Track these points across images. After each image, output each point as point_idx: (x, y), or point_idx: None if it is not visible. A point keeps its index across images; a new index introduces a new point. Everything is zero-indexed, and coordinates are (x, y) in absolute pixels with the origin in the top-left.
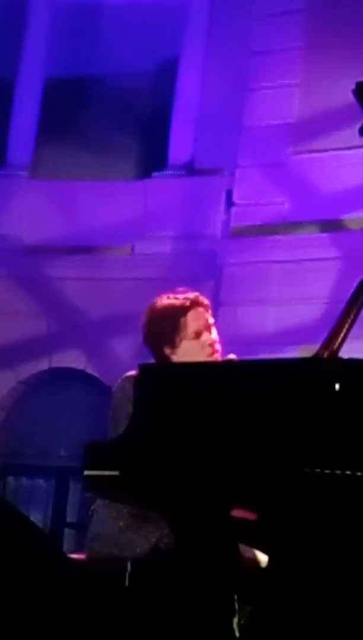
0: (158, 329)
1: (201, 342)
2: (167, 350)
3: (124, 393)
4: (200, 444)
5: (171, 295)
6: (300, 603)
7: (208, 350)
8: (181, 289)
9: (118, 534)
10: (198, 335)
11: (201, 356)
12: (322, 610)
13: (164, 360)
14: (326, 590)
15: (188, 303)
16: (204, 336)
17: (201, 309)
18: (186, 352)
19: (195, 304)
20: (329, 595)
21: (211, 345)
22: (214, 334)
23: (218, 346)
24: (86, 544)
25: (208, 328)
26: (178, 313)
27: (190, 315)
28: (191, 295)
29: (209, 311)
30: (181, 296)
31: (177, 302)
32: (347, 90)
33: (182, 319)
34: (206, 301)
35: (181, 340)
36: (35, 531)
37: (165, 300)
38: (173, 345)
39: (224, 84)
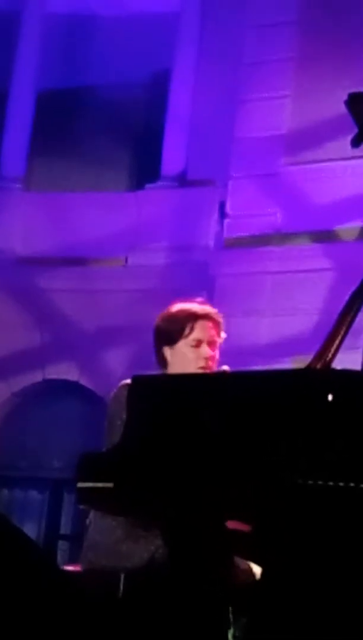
0: (164, 327)
1: (199, 352)
2: (166, 351)
3: (120, 402)
4: (194, 455)
5: (188, 302)
6: (294, 614)
7: (202, 362)
8: (199, 299)
9: (116, 543)
10: (198, 344)
11: (193, 365)
12: (316, 622)
13: (163, 362)
14: (321, 602)
15: (200, 312)
16: (204, 348)
17: (210, 324)
18: (182, 356)
19: (207, 316)
20: (324, 607)
21: (207, 359)
22: (215, 353)
23: (212, 364)
24: (82, 553)
25: (210, 343)
26: (187, 317)
27: (199, 323)
28: (208, 307)
29: (220, 332)
30: (197, 304)
31: (191, 308)
32: (340, 102)
33: (189, 324)
34: (220, 319)
35: (181, 343)
36: (27, 543)
37: (181, 304)
38: (172, 347)
39: (216, 95)
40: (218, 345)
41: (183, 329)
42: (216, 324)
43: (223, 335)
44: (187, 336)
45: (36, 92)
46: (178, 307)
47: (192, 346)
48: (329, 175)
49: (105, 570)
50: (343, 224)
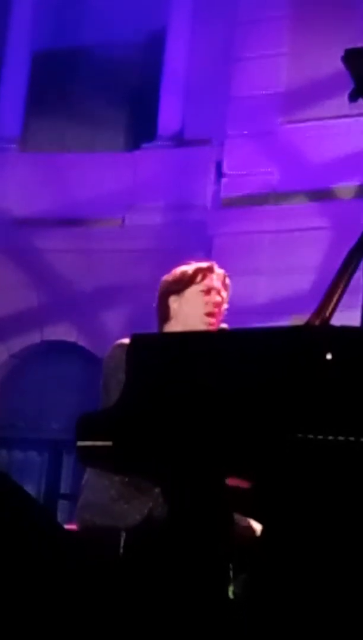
0: (174, 278)
1: (207, 299)
2: (172, 301)
3: (115, 361)
4: (193, 413)
5: (195, 262)
6: (295, 572)
7: (210, 308)
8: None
9: (110, 503)
10: (208, 291)
11: (201, 310)
12: (317, 580)
13: (165, 314)
14: (322, 560)
15: (212, 265)
16: (213, 295)
17: (220, 280)
18: (191, 302)
19: (218, 274)
20: (325, 565)
21: (215, 304)
22: (220, 305)
23: (218, 314)
24: (77, 512)
25: (219, 294)
26: (200, 268)
27: (211, 275)
28: (217, 267)
29: (227, 291)
30: (207, 262)
31: (201, 264)
32: (336, 58)
33: (201, 273)
34: (227, 281)
35: (192, 288)
36: (30, 501)
37: (190, 263)
38: (181, 294)
39: (212, 54)
40: (222, 307)
41: (195, 276)
42: (224, 285)
43: (225, 305)
44: (199, 282)
45: (31, 53)
46: (186, 266)
47: (202, 291)
48: (326, 133)
49: (102, 528)
50: (340, 182)
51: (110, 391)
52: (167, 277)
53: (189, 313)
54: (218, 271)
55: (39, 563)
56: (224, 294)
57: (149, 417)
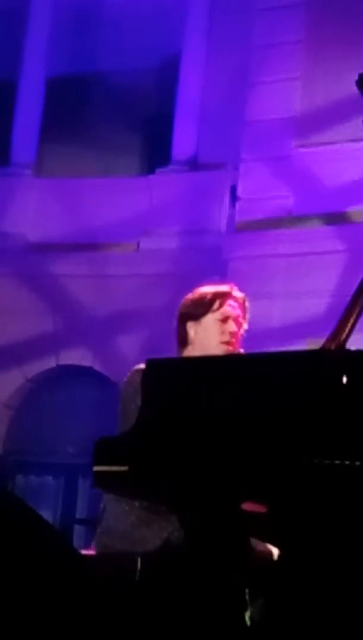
0: (192, 304)
1: (224, 327)
2: (190, 327)
3: (133, 386)
4: (208, 438)
5: (215, 284)
6: (311, 596)
7: (227, 337)
8: (229, 284)
9: (130, 528)
10: (225, 319)
11: (217, 339)
12: (333, 604)
13: (184, 340)
14: (337, 583)
15: (230, 291)
16: (230, 324)
17: (238, 305)
18: (208, 330)
19: (236, 297)
20: (340, 588)
21: (231, 334)
22: (240, 334)
23: (235, 342)
24: (96, 537)
25: (236, 321)
26: (218, 293)
27: (228, 301)
28: (236, 290)
29: (245, 315)
30: (225, 286)
31: (219, 288)
32: (350, 82)
33: (219, 299)
34: (247, 304)
35: (209, 316)
36: (45, 526)
37: (208, 286)
38: (198, 321)
39: (226, 79)
40: (242, 329)
41: (212, 303)
42: (243, 309)
43: (245, 326)
44: (215, 310)
45: (46, 79)
46: (205, 288)
47: (219, 320)
48: (340, 157)
49: (120, 554)
50: (355, 205)
51: (127, 416)
52: (186, 301)
53: (206, 341)
54: (237, 295)
55: (55, 589)
56: (242, 320)
57: (165, 442)
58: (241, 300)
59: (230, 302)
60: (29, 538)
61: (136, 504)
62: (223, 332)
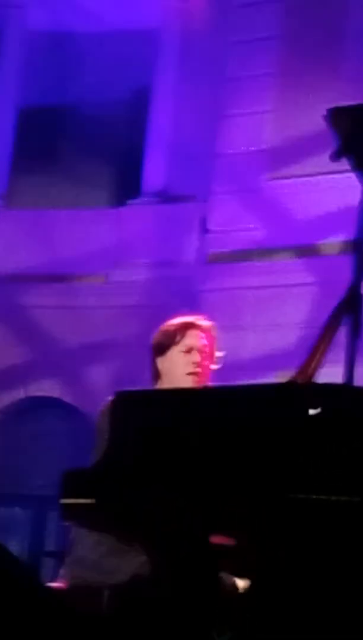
0: (158, 339)
1: (188, 358)
2: (158, 361)
3: (105, 419)
4: (176, 471)
5: (184, 315)
6: (280, 629)
7: (191, 368)
8: (199, 316)
9: (101, 558)
10: (188, 350)
11: (182, 370)
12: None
13: (155, 374)
14: (307, 616)
15: (192, 321)
16: (194, 355)
17: (203, 334)
18: (172, 363)
19: (199, 326)
20: (310, 621)
21: (196, 364)
22: (208, 364)
23: (203, 372)
24: (66, 567)
25: (202, 352)
26: (180, 326)
27: (190, 332)
28: (201, 319)
29: (214, 344)
30: (191, 317)
31: (184, 320)
32: (320, 116)
33: (181, 332)
34: (213, 332)
35: (173, 349)
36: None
37: (176, 319)
38: (164, 356)
39: (197, 111)
40: (212, 357)
41: (174, 337)
42: (210, 337)
43: (219, 353)
44: (178, 343)
45: (18, 109)
46: (171, 321)
47: (183, 352)
48: (310, 189)
49: (90, 585)
50: (326, 238)
51: (98, 448)
52: (154, 335)
53: (172, 373)
54: (202, 324)
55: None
56: (207, 349)
57: (133, 475)
58: (207, 329)
59: (194, 332)
60: None
61: (107, 534)
62: (187, 364)
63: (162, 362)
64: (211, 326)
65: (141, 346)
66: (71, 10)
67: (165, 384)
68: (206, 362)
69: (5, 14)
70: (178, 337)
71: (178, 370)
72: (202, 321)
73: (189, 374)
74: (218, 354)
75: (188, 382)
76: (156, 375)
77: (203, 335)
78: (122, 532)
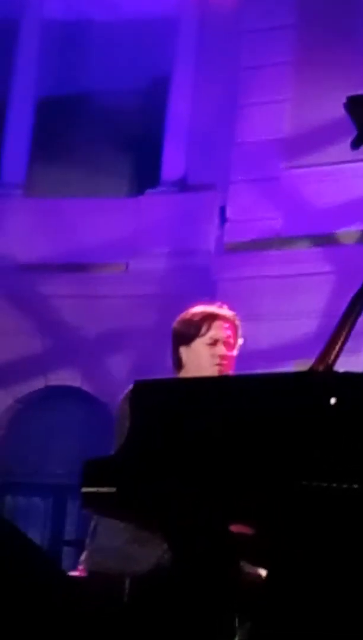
0: (182, 328)
1: (214, 351)
2: (182, 351)
3: (125, 408)
4: (196, 459)
5: (205, 304)
6: (299, 618)
7: (217, 360)
8: (218, 303)
9: (122, 547)
10: (214, 343)
11: (208, 363)
12: (321, 626)
13: (178, 363)
14: (325, 606)
15: (218, 312)
16: (219, 347)
17: (227, 325)
18: (198, 355)
19: (224, 317)
20: (328, 611)
21: (221, 357)
22: (232, 354)
23: (227, 364)
24: (87, 556)
25: (227, 344)
26: (205, 317)
27: (216, 323)
28: (226, 310)
29: (237, 334)
30: (214, 306)
31: (209, 309)
32: (339, 104)
33: (206, 323)
34: (237, 322)
35: (197, 341)
36: (33, 548)
37: (199, 306)
38: (189, 346)
39: (215, 100)
40: (235, 347)
41: (199, 328)
42: (234, 327)
43: (240, 340)
44: (203, 335)
45: (35, 99)
46: (196, 308)
47: (208, 344)
48: (329, 178)
49: (111, 573)
50: (344, 227)
51: (119, 437)
52: (177, 322)
53: (198, 365)
54: (226, 314)
55: (42, 612)
56: (232, 340)
57: (153, 464)
58: (230, 319)
59: (218, 323)
60: (16, 560)
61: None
62: (213, 356)
63: (186, 353)
64: (233, 315)
65: (161, 335)
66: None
67: (189, 374)
68: (230, 353)
69: (22, 4)
70: (203, 329)
71: (204, 362)
72: (225, 311)
73: (215, 365)
74: (239, 340)
75: (212, 373)
76: (179, 364)
77: (226, 325)
78: (143, 520)
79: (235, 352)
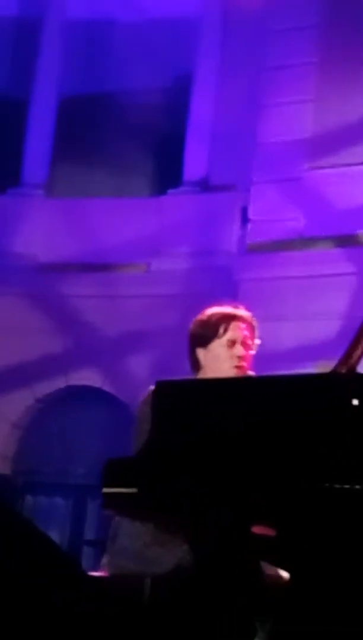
0: (199, 329)
1: (232, 352)
2: (200, 353)
3: (146, 409)
4: (217, 461)
5: (221, 305)
6: (320, 621)
7: (236, 361)
8: (234, 304)
9: (143, 549)
10: (231, 344)
11: (227, 364)
12: (343, 628)
13: (196, 365)
14: (346, 607)
15: (235, 313)
16: (237, 348)
17: (244, 325)
18: (216, 356)
19: (241, 318)
20: (351, 613)
21: (240, 358)
22: (249, 354)
23: (245, 365)
24: (109, 558)
25: (244, 345)
26: (222, 318)
27: (233, 324)
28: (243, 311)
29: (254, 335)
30: (230, 307)
31: (225, 310)
32: (361, 106)
33: (224, 324)
34: (254, 322)
35: (215, 343)
36: (53, 548)
37: (215, 307)
38: (206, 347)
39: (238, 100)
40: (252, 348)
41: (217, 329)
42: (251, 327)
43: (257, 341)
44: (221, 336)
45: (58, 99)
46: (212, 309)
47: (226, 346)
48: (351, 179)
49: (131, 575)
50: None
51: (142, 437)
52: (193, 323)
53: (216, 366)
54: (243, 314)
55: (63, 612)
56: (250, 341)
57: (174, 465)
58: (247, 320)
59: (236, 324)
60: (37, 560)
61: (150, 524)
62: (231, 357)
63: (204, 354)
64: (250, 316)
65: (182, 335)
66: None
67: (208, 375)
68: (248, 355)
69: (45, 4)
70: (220, 331)
71: (223, 364)
72: (242, 311)
73: (234, 367)
74: (256, 340)
75: (231, 375)
76: (197, 366)
77: (243, 325)
78: (164, 521)
79: (252, 353)
